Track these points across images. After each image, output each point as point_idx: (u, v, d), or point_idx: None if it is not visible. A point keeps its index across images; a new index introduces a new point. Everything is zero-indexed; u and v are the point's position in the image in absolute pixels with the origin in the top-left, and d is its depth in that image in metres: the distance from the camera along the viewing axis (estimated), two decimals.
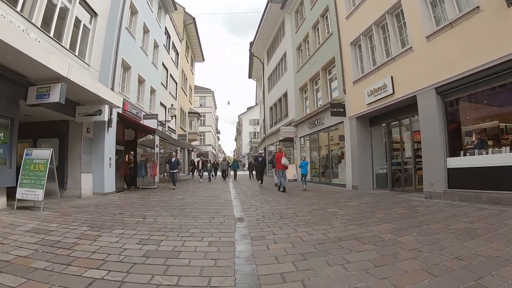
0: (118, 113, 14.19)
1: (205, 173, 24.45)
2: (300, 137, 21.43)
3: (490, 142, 8.41)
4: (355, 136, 13.81)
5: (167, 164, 18.33)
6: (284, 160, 13.95)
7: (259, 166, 18.60)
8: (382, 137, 13.68)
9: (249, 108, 64.94)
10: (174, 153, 17.62)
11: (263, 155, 22.09)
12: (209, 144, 53.75)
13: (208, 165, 24.74)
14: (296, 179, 20.42)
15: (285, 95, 24.51)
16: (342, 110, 14.56)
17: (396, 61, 11.11)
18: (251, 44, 31.74)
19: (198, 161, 24.86)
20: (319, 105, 18.02)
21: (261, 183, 17.42)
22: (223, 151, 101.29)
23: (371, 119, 13.67)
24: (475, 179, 8.07)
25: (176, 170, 16.53)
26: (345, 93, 14.66)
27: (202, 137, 51.30)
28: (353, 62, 14.02)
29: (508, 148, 7.56)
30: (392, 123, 12.63)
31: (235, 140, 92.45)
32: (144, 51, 18.23)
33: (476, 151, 8.28)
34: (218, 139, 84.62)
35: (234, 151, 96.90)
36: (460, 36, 8.36)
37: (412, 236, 4.90)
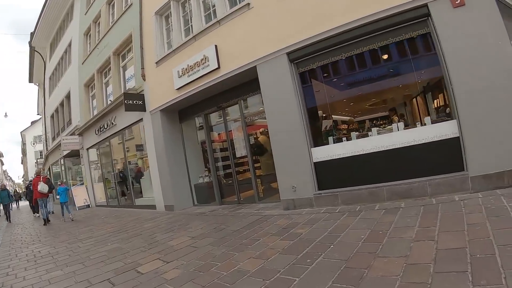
0: None
1: None
2: (87, 149, 14.73)
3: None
4: (160, 137, 8.85)
5: None
6: (40, 187, 10.30)
7: (30, 194, 14.36)
8: (198, 135, 9.35)
9: (33, 122, 49.21)
10: None
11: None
12: None
13: None
14: (88, 205, 15.13)
15: (68, 96, 16.91)
16: (140, 102, 9.29)
17: (223, 24, 7.02)
18: (32, 34, 21.38)
19: None
20: (109, 102, 12.13)
21: (37, 214, 13.76)
22: (10, 178, 77.39)
23: (182, 111, 9.11)
24: (361, 170, 5.37)
25: None
26: (144, 80, 9.47)
27: None
28: (158, 36, 9.03)
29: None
30: (213, 114, 8.48)
31: (22, 163, 71.43)
32: None
33: (354, 134, 5.63)
34: (2, 164, 64.17)
35: (22, 177, 74.80)
36: None
37: None
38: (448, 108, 4.91)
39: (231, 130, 8.05)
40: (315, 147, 5.84)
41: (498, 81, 4.24)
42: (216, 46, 7.06)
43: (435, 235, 3.13)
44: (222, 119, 8.10)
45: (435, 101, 5.59)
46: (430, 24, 4.77)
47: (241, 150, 7.66)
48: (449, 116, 4.90)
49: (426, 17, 4.80)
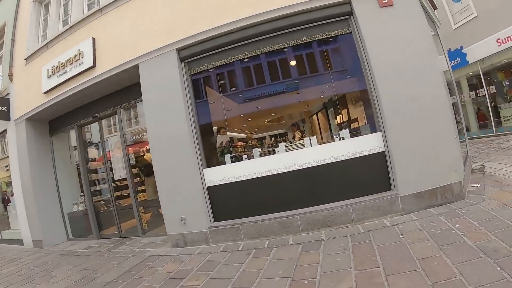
0: None
1: None
2: None
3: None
4: (25, 153, 6.65)
5: None
6: None
7: None
8: (72, 152, 7.33)
9: None
10: None
11: None
12: None
13: None
14: None
15: None
16: (4, 108, 6.96)
17: (106, 13, 5.42)
18: None
19: None
20: None
21: None
22: None
23: (53, 122, 7.06)
24: (268, 196, 4.30)
25: None
26: (11, 80, 7.21)
27: None
28: (32, 27, 6.93)
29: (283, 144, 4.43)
30: (89, 126, 6.70)
31: None
32: None
33: (256, 151, 4.50)
34: None
35: None
36: None
37: None
38: (356, 123, 4.11)
39: (109, 150, 6.35)
40: (208, 167, 4.55)
41: (427, 90, 3.60)
42: (94, 39, 5.40)
43: (383, 281, 2.27)
44: (97, 130, 6.29)
45: (338, 117, 4.81)
46: (353, 24, 4.09)
47: (120, 170, 5.93)
48: (359, 130, 4.25)
49: (349, 16, 4.03)
